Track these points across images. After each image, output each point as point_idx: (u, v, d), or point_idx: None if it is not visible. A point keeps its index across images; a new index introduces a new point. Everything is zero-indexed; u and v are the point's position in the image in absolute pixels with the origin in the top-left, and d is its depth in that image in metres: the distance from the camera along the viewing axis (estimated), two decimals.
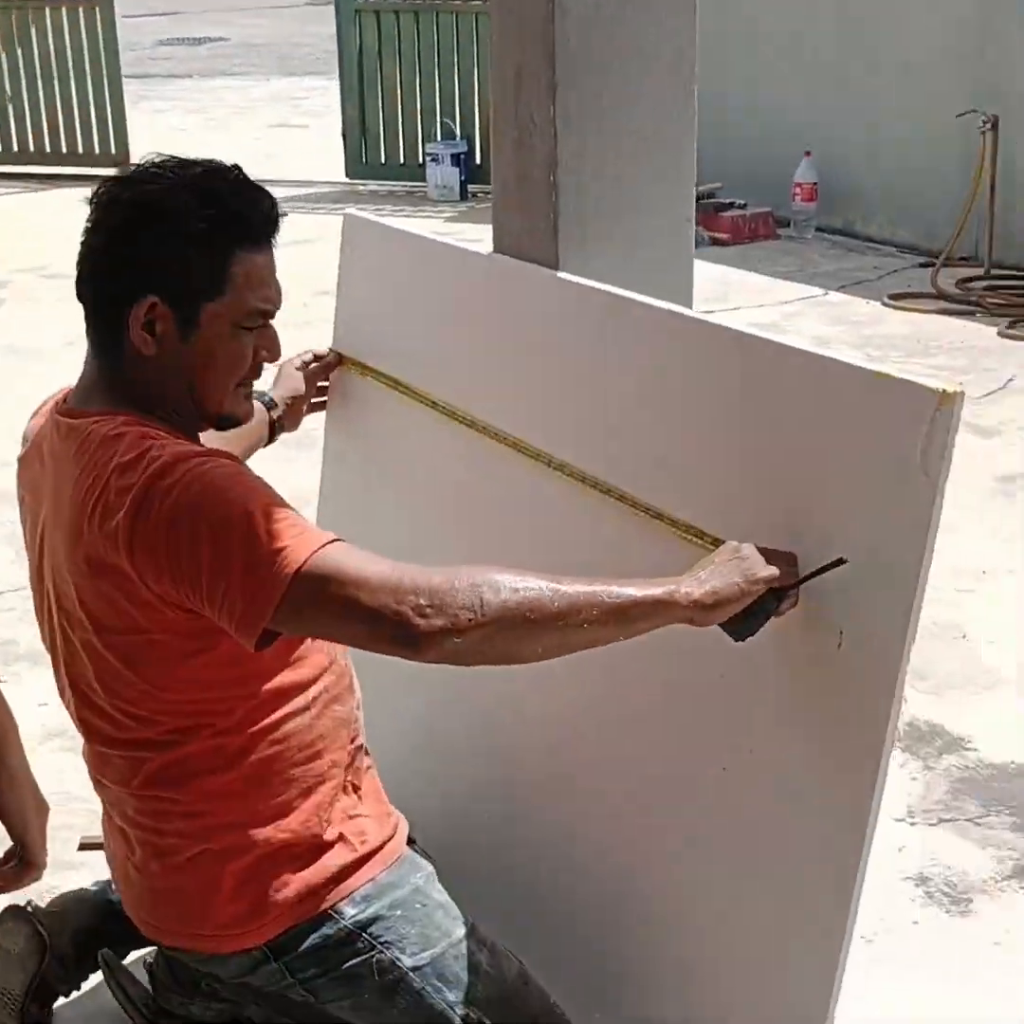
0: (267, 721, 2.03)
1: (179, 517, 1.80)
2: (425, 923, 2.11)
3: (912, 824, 3.04)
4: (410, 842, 2.22)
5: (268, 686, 2.01)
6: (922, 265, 7.85)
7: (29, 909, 2.44)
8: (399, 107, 10.61)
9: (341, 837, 2.10)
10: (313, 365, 2.71)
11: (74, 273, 1.96)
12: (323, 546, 1.78)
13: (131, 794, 2.06)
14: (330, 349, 2.75)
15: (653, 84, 2.31)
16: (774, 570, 1.84)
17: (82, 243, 1.94)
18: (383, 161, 10.75)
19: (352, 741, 2.15)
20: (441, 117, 10.41)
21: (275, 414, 2.60)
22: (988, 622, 3.96)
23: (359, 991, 2.08)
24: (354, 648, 1.95)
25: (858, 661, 1.84)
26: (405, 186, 10.51)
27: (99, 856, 2.43)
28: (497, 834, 2.50)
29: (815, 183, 8.59)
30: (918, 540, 1.76)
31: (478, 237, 2.49)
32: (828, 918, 1.92)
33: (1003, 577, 4.26)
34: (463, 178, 10.18)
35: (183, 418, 1.99)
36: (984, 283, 7.43)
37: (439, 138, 10.37)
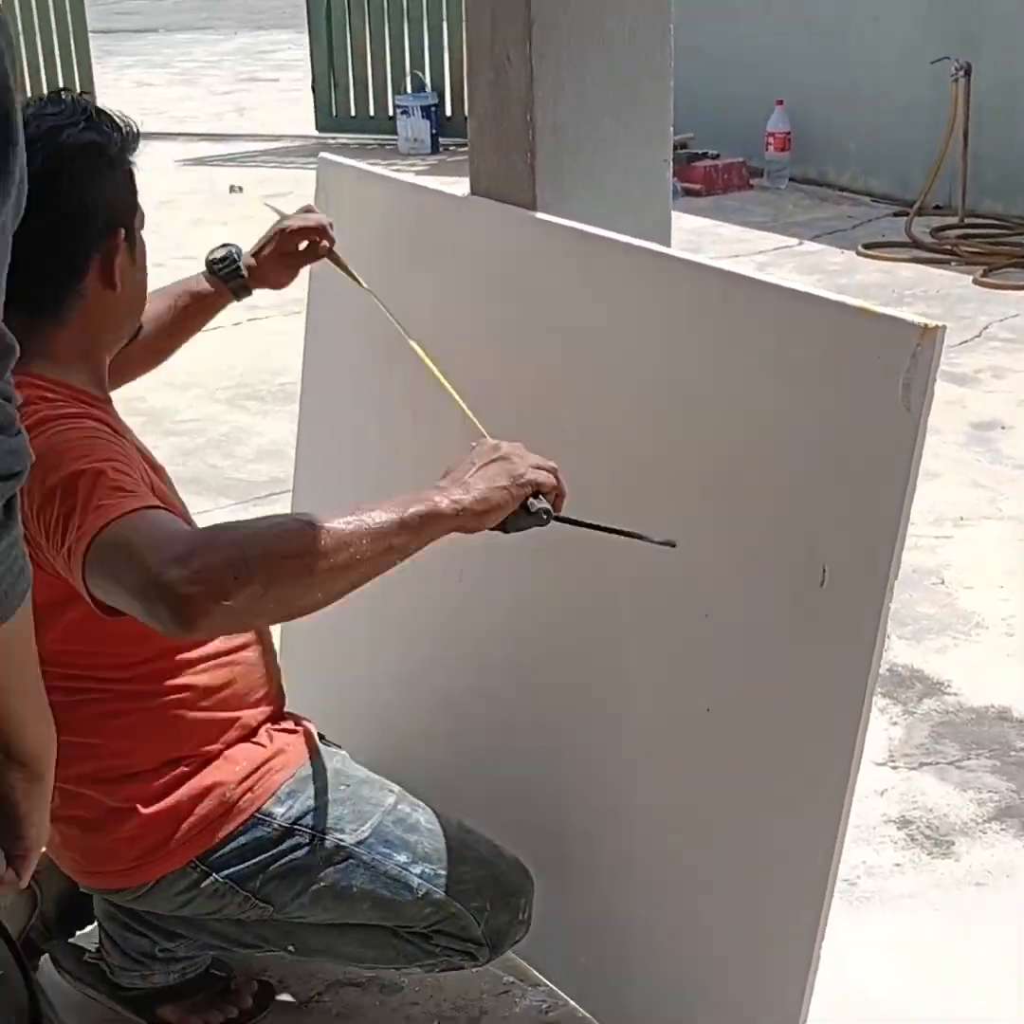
0: (162, 675, 2.04)
1: (29, 485, 1.78)
2: (354, 800, 2.15)
3: (894, 768, 3.05)
4: (319, 738, 2.25)
5: (156, 641, 1.95)
6: (896, 214, 7.82)
7: None
8: (368, 59, 10.52)
9: (253, 742, 2.13)
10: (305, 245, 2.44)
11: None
12: (121, 516, 1.70)
13: None
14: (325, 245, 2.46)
15: (630, 23, 2.28)
16: (538, 475, 1.83)
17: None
18: (352, 114, 10.66)
19: (264, 682, 2.16)
20: (411, 69, 10.32)
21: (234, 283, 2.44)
22: (966, 568, 3.97)
23: (312, 882, 2.10)
24: None
25: (842, 599, 1.83)
26: (375, 139, 10.42)
27: None
28: (477, 775, 2.49)
29: (788, 132, 8.54)
30: (901, 475, 1.74)
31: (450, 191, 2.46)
32: (812, 861, 1.92)
33: (980, 523, 4.26)
34: (434, 131, 10.09)
35: (100, 361, 2.02)
36: (958, 231, 7.41)
37: (409, 91, 10.27)
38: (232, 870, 2.08)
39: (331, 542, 1.67)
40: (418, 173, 9.20)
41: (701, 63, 8.42)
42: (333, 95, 10.64)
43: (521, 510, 1.81)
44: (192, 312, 2.42)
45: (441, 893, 2.12)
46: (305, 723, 2.23)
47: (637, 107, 2.30)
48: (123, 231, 1.96)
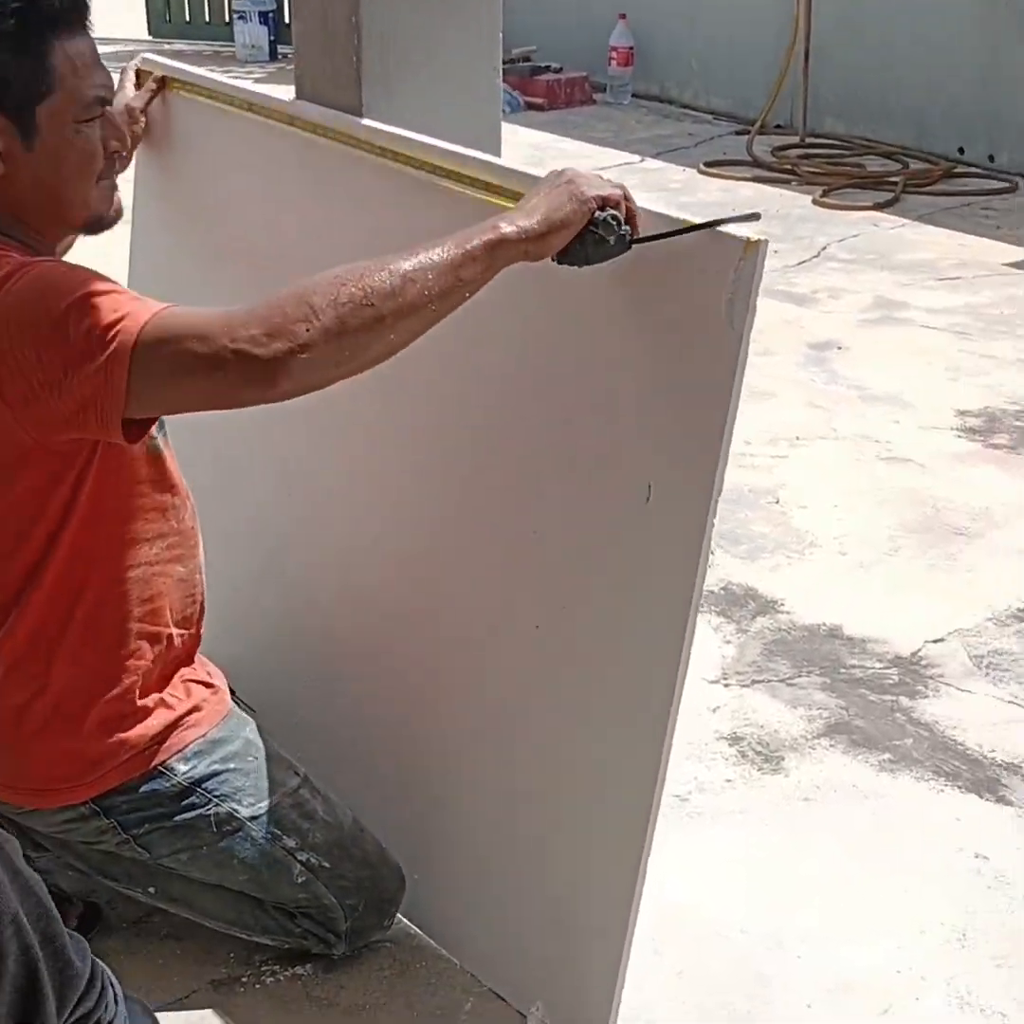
0: (105, 568, 1.98)
1: (19, 321, 1.74)
2: (259, 775, 2.12)
3: (726, 686, 3.06)
4: (231, 694, 2.21)
5: (107, 534, 1.96)
6: (738, 133, 7.86)
7: None
8: None
9: (170, 695, 2.08)
10: (138, 103, 2.50)
11: None
12: (155, 314, 1.70)
13: None
14: (152, 77, 2.53)
15: None
16: (604, 189, 1.77)
17: None
18: (188, 19, 10.39)
19: (192, 603, 2.12)
20: None
21: None
22: (800, 488, 4.00)
23: (196, 843, 2.08)
24: (216, 410, 1.84)
25: (666, 515, 1.82)
26: (212, 46, 10.16)
27: None
28: (314, 693, 2.47)
29: (631, 47, 8.51)
30: (724, 391, 1.73)
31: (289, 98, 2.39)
32: (640, 775, 1.92)
33: (815, 443, 4.29)
34: (272, 38, 9.90)
35: (42, 236, 1.91)
36: (799, 151, 7.46)
37: None
38: (122, 815, 2.05)
39: (396, 281, 1.66)
40: (256, 81, 9.00)
41: None
42: None
43: (589, 231, 1.74)
44: None
45: (319, 884, 2.13)
46: (220, 681, 2.19)
47: (466, 12, 2.24)
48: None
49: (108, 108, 1.90)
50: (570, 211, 1.74)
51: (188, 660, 2.14)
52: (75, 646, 1.98)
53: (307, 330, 1.62)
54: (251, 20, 9.85)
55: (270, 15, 9.90)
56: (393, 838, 2.25)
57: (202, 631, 2.18)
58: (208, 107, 2.46)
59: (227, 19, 10.16)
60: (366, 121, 2.17)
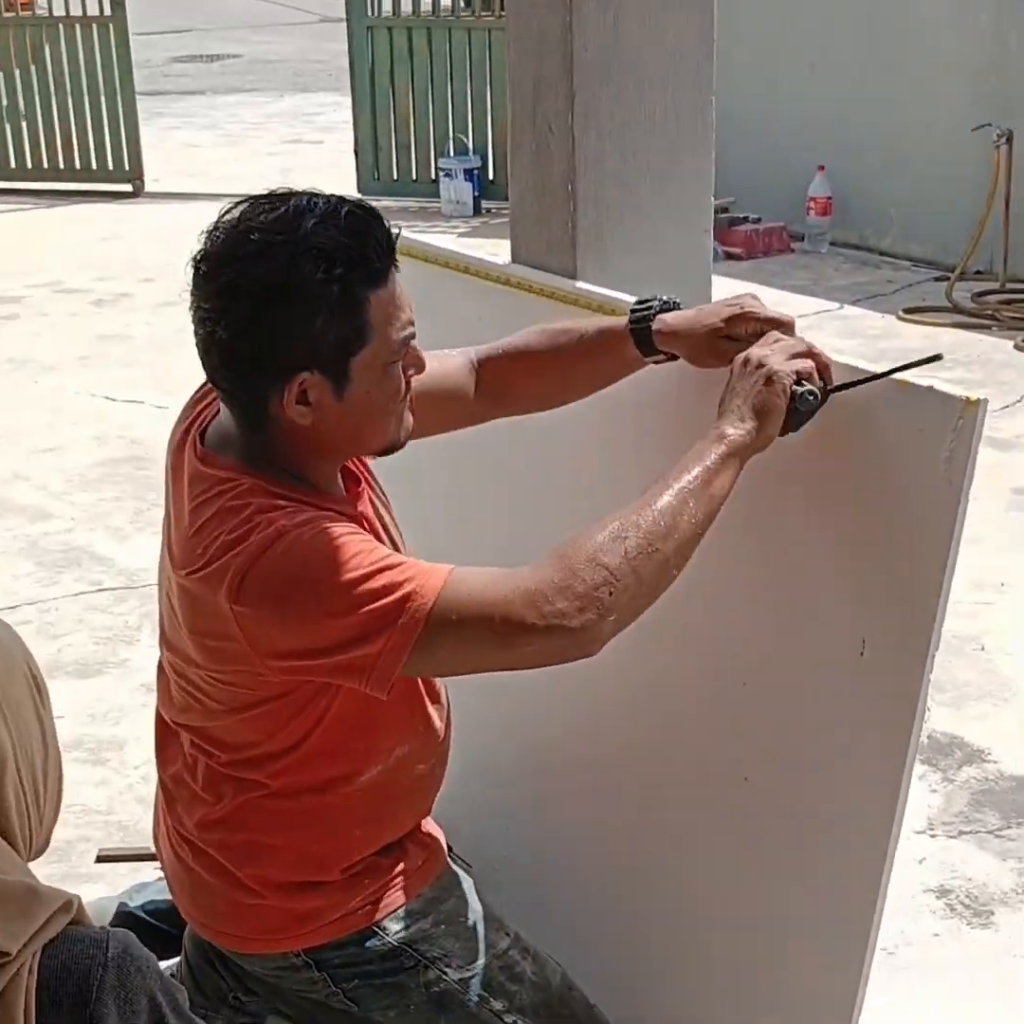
0: (338, 769, 1.98)
1: (284, 594, 1.74)
2: (470, 936, 2.09)
3: (932, 836, 3.03)
4: (447, 850, 2.19)
5: (345, 748, 1.96)
6: (937, 279, 7.84)
7: None
8: (411, 123, 10.59)
9: (387, 857, 2.07)
10: None
11: (197, 349, 1.81)
12: (444, 586, 1.70)
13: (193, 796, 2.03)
14: None
15: (671, 93, 2.31)
16: (794, 362, 1.83)
17: (201, 328, 1.79)
18: (395, 177, 10.75)
19: (427, 795, 2.12)
20: (454, 132, 10.40)
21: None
22: (1007, 634, 3.95)
23: (405, 1001, 2.07)
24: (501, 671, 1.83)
25: (881, 670, 1.83)
26: (418, 202, 10.51)
27: (117, 868, 2.43)
28: (526, 843, 2.49)
29: (829, 197, 8.58)
30: (941, 548, 1.75)
31: (492, 252, 2.49)
32: (851, 930, 1.91)
33: (1022, 589, 4.24)
34: (476, 193, 10.17)
35: (332, 470, 1.92)
36: (999, 297, 7.42)
37: (452, 154, 10.37)
38: (333, 969, 2.05)
39: (669, 520, 1.74)
40: (461, 235, 9.28)
41: (743, 128, 8.46)
42: (376, 158, 10.72)
43: (792, 408, 1.82)
44: (589, 349, 2.12)
45: None
46: (437, 837, 2.15)
47: (678, 177, 2.32)
48: (307, 376, 1.77)
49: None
50: (772, 401, 1.82)
51: (412, 835, 2.12)
52: (297, 830, 1.99)
53: (611, 594, 1.68)
54: (457, 177, 10.16)
55: (475, 172, 10.21)
56: (601, 992, 2.24)
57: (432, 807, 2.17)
58: (426, 269, 2.58)
59: (433, 176, 10.49)
60: (581, 284, 2.25)
